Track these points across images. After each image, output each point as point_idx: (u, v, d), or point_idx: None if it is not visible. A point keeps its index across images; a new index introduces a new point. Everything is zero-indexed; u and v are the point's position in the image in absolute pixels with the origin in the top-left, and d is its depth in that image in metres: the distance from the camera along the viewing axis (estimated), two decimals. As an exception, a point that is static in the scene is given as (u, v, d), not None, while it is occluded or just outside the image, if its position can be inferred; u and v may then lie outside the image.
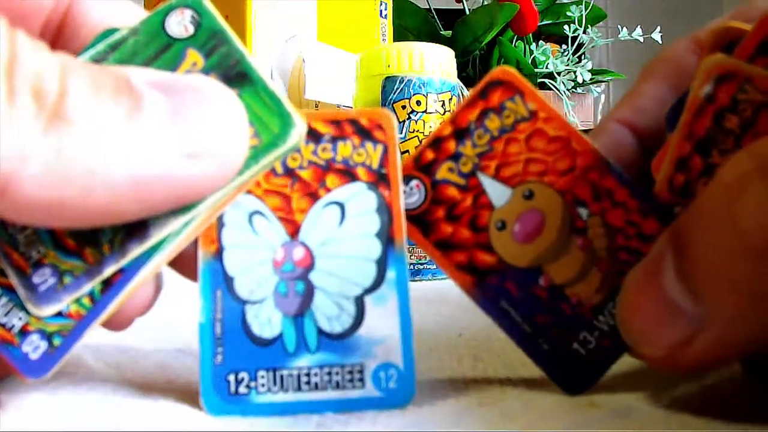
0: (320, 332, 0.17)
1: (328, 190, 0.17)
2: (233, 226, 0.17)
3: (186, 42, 0.16)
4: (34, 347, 0.15)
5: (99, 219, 0.14)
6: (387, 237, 0.17)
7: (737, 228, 0.13)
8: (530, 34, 0.91)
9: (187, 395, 0.18)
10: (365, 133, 0.17)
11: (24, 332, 0.15)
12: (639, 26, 0.94)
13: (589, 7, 0.92)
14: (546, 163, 0.18)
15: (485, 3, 0.89)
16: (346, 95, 0.54)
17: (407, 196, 0.18)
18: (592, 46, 0.94)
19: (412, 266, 0.43)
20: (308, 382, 0.16)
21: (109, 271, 0.15)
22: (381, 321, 0.17)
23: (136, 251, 0.15)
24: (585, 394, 0.17)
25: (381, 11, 0.63)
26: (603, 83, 0.98)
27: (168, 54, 0.16)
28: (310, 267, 0.17)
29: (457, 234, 0.18)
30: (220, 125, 0.15)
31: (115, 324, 0.18)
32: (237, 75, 0.16)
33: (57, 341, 0.15)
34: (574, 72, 0.90)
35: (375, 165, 0.17)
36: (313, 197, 0.17)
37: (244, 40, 0.52)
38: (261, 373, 0.16)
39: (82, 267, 0.15)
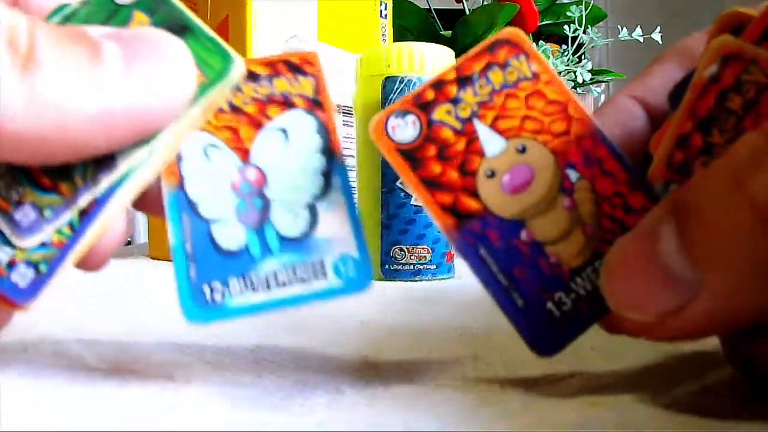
0: (281, 238, 0.18)
1: (271, 118, 0.19)
2: (191, 159, 0.19)
3: (131, 6, 0.18)
4: (21, 276, 0.17)
5: (74, 152, 0.16)
6: (329, 151, 0.19)
7: (750, 201, 0.13)
8: (530, 34, 0.90)
9: (188, 395, 0.18)
10: (297, 69, 0.20)
11: (11, 265, 0.17)
12: (639, 26, 0.94)
13: (589, 7, 0.92)
14: (542, 123, 0.18)
15: (485, 3, 0.89)
16: (346, 95, 0.54)
17: (402, 130, 0.18)
18: (592, 46, 0.94)
19: (411, 266, 0.43)
20: (276, 281, 0.18)
21: (84, 200, 0.17)
22: (333, 221, 0.18)
23: (106, 181, 0.17)
24: (584, 394, 0.17)
25: (381, 11, 0.63)
26: (603, 83, 0.98)
27: (116, 18, 0.18)
28: (264, 184, 0.19)
29: (445, 174, 0.18)
30: (169, 63, 0.17)
31: (92, 262, 0.19)
32: (180, 27, 0.18)
33: (43, 268, 0.17)
34: (574, 72, 0.90)
35: (309, 94, 0.20)
36: (259, 126, 0.19)
37: (244, 39, 0.52)
38: (232, 280, 0.18)
39: (59, 200, 0.17)
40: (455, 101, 0.18)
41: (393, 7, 0.65)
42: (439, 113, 0.18)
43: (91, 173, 0.17)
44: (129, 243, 1.61)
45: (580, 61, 0.92)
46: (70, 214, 0.17)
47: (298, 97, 0.20)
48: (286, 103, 0.19)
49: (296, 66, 0.20)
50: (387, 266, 0.43)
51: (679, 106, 0.17)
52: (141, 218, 1.50)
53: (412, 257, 0.43)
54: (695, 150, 0.17)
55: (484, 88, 0.18)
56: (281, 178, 0.19)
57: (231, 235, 0.18)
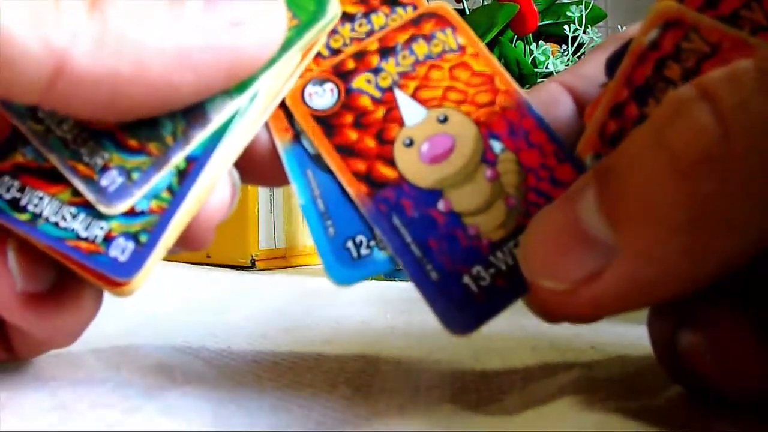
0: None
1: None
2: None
3: None
4: (121, 250, 0.15)
5: (158, 97, 0.15)
6: None
7: (667, 149, 0.13)
8: (530, 34, 0.90)
9: (189, 394, 0.18)
10: (393, 2, 0.19)
11: (108, 239, 0.15)
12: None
13: (589, 7, 0.92)
14: (466, 94, 0.18)
15: (485, 3, 0.89)
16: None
17: (319, 97, 0.18)
18: (592, 46, 0.94)
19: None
20: None
21: (176, 158, 0.16)
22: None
23: (199, 136, 0.16)
24: (583, 393, 0.17)
25: (381, 11, 0.63)
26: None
27: None
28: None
29: (361, 142, 0.17)
30: (255, 1, 0.16)
31: (196, 235, 0.17)
32: None
33: (143, 238, 0.15)
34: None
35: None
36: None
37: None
38: (377, 230, 0.16)
39: (148, 161, 0.16)
40: (376, 71, 0.18)
41: (393, 7, 0.65)
42: (359, 82, 0.18)
43: (182, 130, 0.16)
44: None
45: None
46: (161, 174, 0.16)
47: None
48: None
49: None
50: (387, 266, 0.43)
51: (615, 73, 0.16)
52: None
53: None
54: (630, 120, 0.16)
55: (406, 58, 0.18)
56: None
57: None
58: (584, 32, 0.92)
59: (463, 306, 0.16)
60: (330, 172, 0.17)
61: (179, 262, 0.52)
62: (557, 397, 0.17)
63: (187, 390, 0.18)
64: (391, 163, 0.17)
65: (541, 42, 0.93)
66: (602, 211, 0.14)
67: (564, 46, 0.93)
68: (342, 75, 0.18)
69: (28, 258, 0.16)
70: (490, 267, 0.16)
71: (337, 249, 0.16)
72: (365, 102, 0.18)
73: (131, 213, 0.16)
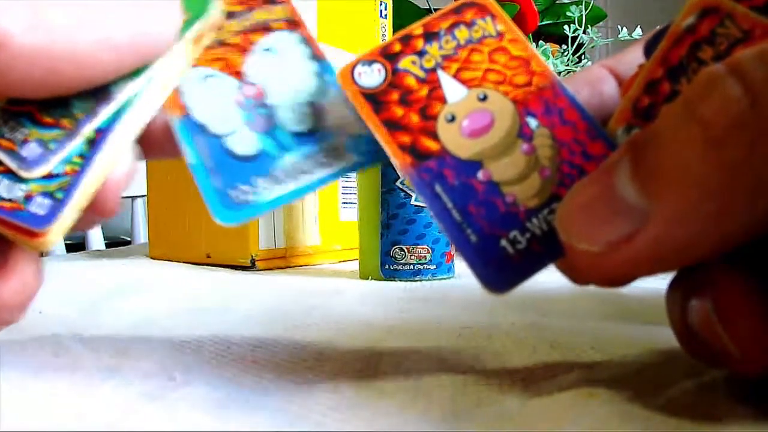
0: (293, 135, 0.19)
1: (256, 42, 0.21)
2: (192, 90, 0.20)
3: None
4: (39, 205, 0.18)
5: (83, 74, 0.17)
6: (315, 56, 0.21)
7: (699, 120, 0.14)
8: (530, 34, 0.90)
9: (188, 394, 0.18)
10: (269, 0, 0.21)
11: (28, 198, 0.18)
12: (639, 26, 0.94)
13: (589, 7, 0.92)
14: (504, 75, 0.19)
15: (485, 3, 0.89)
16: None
17: (367, 76, 0.19)
18: (592, 46, 0.94)
19: (411, 266, 0.43)
20: (300, 171, 0.19)
21: (86, 129, 0.18)
22: (337, 111, 0.20)
23: (105, 111, 0.18)
24: (582, 393, 0.17)
25: (381, 11, 0.63)
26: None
27: None
28: (263, 96, 0.20)
29: (406, 117, 0.19)
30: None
31: (105, 201, 0.19)
32: None
33: (59, 195, 0.18)
34: (574, 72, 0.90)
35: (285, 17, 0.21)
36: (246, 51, 0.21)
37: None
38: (257, 179, 0.19)
39: (62, 133, 0.18)
40: (421, 53, 0.20)
41: (393, 7, 0.65)
42: (405, 63, 0.19)
43: (90, 108, 0.18)
44: (129, 243, 1.61)
45: (580, 61, 0.92)
46: (74, 144, 0.18)
47: (276, 22, 0.21)
48: (266, 29, 0.21)
49: None
50: (387, 266, 0.43)
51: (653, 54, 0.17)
52: (141, 218, 1.50)
53: (412, 257, 0.43)
54: (662, 96, 0.17)
55: (449, 43, 0.20)
56: (278, 87, 0.20)
57: (245, 142, 0.19)
58: (584, 32, 0.92)
59: (500, 267, 0.17)
60: (215, 137, 0.19)
61: (179, 262, 0.52)
62: (557, 398, 0.17)
63: (187, 390, 0.18)
64: (434, 136, 0.19)
65: (541, 42, 0.93)
66: (636, 179, 0.15)
67: (564, 46, 0.94)
68: (389, 56, 0.20)
69: None
70: (526, 232, 0.17)
71: (221, 195, 0.18)
72: (410, 81, 0.19)
73: (49, 176, 0.18)
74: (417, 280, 0.43)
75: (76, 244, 1.57)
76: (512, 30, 0.20)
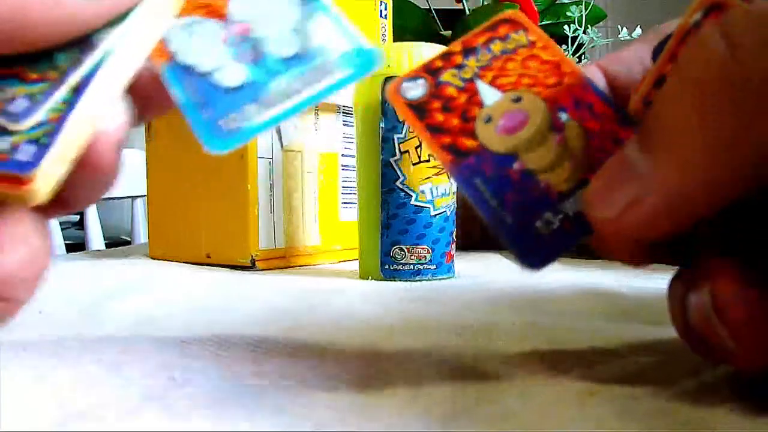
0: (281, 59, 0.19)
1: None
2: (176, 37, 0.20)
3: None
4: (24, 152, 0.17)
5: (62, 20, 0.17)
6: None
7: (689, 78, 0.15)
8: (530, 34, 0.90)
9: (189, 394, 0.18)
10: None
11: (14, 147, 0.18)
12: (639, 26, 0.94)
13: (589, 7, 0.92)
14: (536, 78, 0.21)
15: (485, 3, 0.89)
16: (346, 95, 0.54)
17: (412, 90, 0.21)
18: (592, 46, 0.94)
19: (411, 266, 0.43)
20: (290, 91, 0.19)
21: (72, 78, 0.18)
22: (324, 32, 0.20)
23: (90, 61, 0.19)
24: (583, 392, 0.17)
25: (381, 11, 0.63)
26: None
27: None
28: (249, 31, 0.20)
29: (447, 122, 0.20)
30: None
31: (99, 156, 0.19)
32: None
33: (44, 140, 0.18)
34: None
35: None
36: None
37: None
38: (246, 106, 0.19)
39: (48, 85, 0.18)
40: (460, 66, 0.21)
41: (393, 7, 0.65)
42: (446, 76, 0.21)
43: (76, 58, 0.19)
44: (129, 243, 1.61)
45: (580, 61, 0.92)
46: (61, 92, 0.18)
47: None
48: None
49: None
50: (387, 266, 0.43)
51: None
52: (141, 218, 1.50)
53: (412, 257, 0.43)
54: None
55: (485, 56, 0.21)
56: (263, 20, 0.20)
57: (233, 74, 0.19)
58: (584, 32, 0.92)
59: (535, 246, 0.18)
60: (203, 75, 0.20)
61: (179, 262, 0.52)
62: (557, 398, 0.17)
63: (187, 390, 0.18)
64: (472, 136, 0.20)
65: (541, 42, 0.92)
66: (642, 143, 0.16)
67: (564, 46, 0.94)
68: (431, 72, 0.21)
69: None
70: (558, 213, 0.19)
71: (211, 127, 0.19)
72: (451, 91, 0.21)
73: (35, 125, 0.18)
74: (417, 280, 0.43)
75: (76, 244, 1.57)
76: (543, 38, 0.21)
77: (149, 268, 0.48)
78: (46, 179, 0.17)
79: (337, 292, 0.38)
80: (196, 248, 0.52)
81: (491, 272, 0.47)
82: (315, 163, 0.55)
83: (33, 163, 0.17)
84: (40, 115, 0.18)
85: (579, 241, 0.18)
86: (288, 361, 0.21)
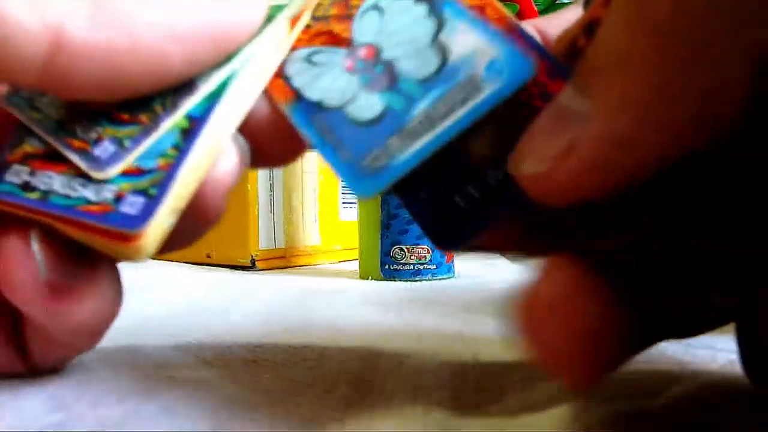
0: (419, 82, 0.17)
1: (357, 6, 0.19)
2: (298, 73, 0.18)
3: None
4: (130, 204, 0.16)
5: (149, 70, 0.16)
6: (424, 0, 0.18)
7: (640, 7, 0.12)
8: (530, 34, 0.91)
9: (189, 394, 0.18)
10: None
11: (118, 198, 0.16)
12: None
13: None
14: None
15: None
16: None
17: None
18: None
19: (411, 266, 0.43)
20: (436, 116, 0.17)
21: (165, 125, 0.17)
22: (464, 41, 0.17)
23: (188, 104, 0.17)
24: (582, 395, 0.17)
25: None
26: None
27: None
28: (378, 53, 0.18)
29: None
30: None
31: (207, 202, 0.17)
32: None
33: (153, 191, 0.16)
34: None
35: None
36: (349, 17, 0.19)
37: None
38: (389, 140, 0.17)
39: (139, 129, 0.17)
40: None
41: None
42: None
43: (171, 101, 0.17)
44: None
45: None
46: (151, 140, 0.16)
47: None
48: None
49: None
50: (387, 266, 0.43)
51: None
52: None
53: (412, 257, 0.43)
54: None
55: None
56: (392, 39, 0.18)
57: (368, 105, 0.17)
58: (584, 32, 0.92)
59: (453, 223, 0.16)
60: (334, 110, 0.17)
61: (179, 262, 0.52)
62: (557, 398, 0.17)
63: (187, 390, 0.18)
64: None
65: (541, 42, 0.93)
66: (578, 90, 0.14)
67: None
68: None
69: (51, 247, 0.16)
70: (481, 185, 0.16)
71: (354, 168, 0.17)
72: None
73: (139, 172, 0.16)
74: (417, 280, 0.43)
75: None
76: None
77: (149, 269, 0.48)
78: (154, 234, 0.16)
79: (337, 292, 0.38)
80: (196, 248, 0.52)
81: (491, 272, 0.47)
82: (315, 163, 0.55)
83: (141, 218, 0.15)
84: (126, 164, 0.16)
85: (504, 215, 0.16)
86: (288, 360, 0.21)
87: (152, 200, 0.16)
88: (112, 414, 0.16)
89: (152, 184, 0.16)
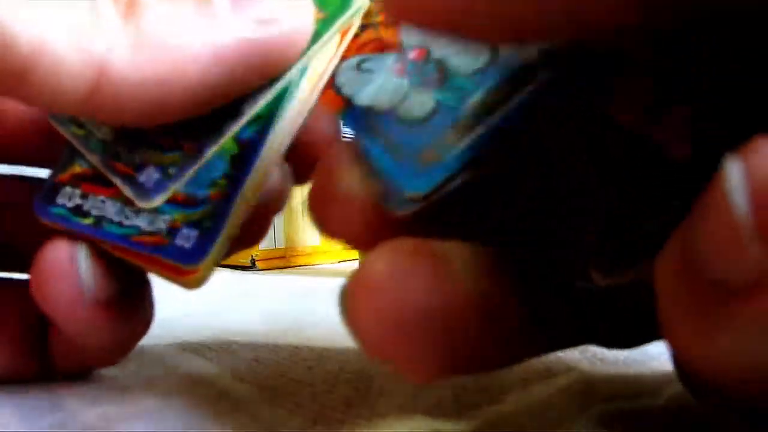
0: (471, 75, 0.17)
1: None
2: (348, 82, 0.18)
3: None
4: (186, 238, 0.16)
5: (194, 98, 0.15)
6: None
7: None
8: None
9: (189, 393, 0.18)
10: None
11: (172, 230, 0.16)
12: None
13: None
14: None
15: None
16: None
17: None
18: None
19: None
20: (491, 106, 0.16)
21: (209, 152, 0.16)
22: None
23: (232, 129, 0.16)
24: (582, 392, 0.17)
25: (381, 11, 0.63)
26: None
27: None
28: (428, 53, 0.18)
29: None
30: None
31: (256, 227, 0.17)
32: None
33: (207, 224, 0.16)
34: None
35: None
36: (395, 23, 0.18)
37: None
38: (441, 134, 0.16)
39: (181, 156, 0.16)
40: None
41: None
42: None
43: (215, 125, 0.16)
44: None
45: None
46: (196, 167, 0.16)
47: None
48: None
49: None
50: (387, 266, 0.43)
51: None
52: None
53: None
54: None
55: None
56: (441, 39, 0.17)
57: (420, 103, 0.17)
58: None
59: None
60: (385, 112, 0.17)
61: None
62: (557, 398, 0.17)
63: (188, 389, 0.18)
64: None
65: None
66: None
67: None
68: None
69: (99, 265, 0.16)
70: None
71: (407, 168, 0.16)
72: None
73: (192, 203, 0.16)
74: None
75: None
76: None
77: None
78: (209, 267, 0.16)
79: (336, 292, 0.38)
80: (196, 248, 0.52)
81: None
82: (315, 163, 0.55)
83: (197, 253, 0.15)
84: (170, 193, 0.16)
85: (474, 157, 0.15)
86: (288, 360, 0.21)
87: (207, 234, 0.16)
88: (112, 413, 0.16)
89: (206, 216, 0.16)
